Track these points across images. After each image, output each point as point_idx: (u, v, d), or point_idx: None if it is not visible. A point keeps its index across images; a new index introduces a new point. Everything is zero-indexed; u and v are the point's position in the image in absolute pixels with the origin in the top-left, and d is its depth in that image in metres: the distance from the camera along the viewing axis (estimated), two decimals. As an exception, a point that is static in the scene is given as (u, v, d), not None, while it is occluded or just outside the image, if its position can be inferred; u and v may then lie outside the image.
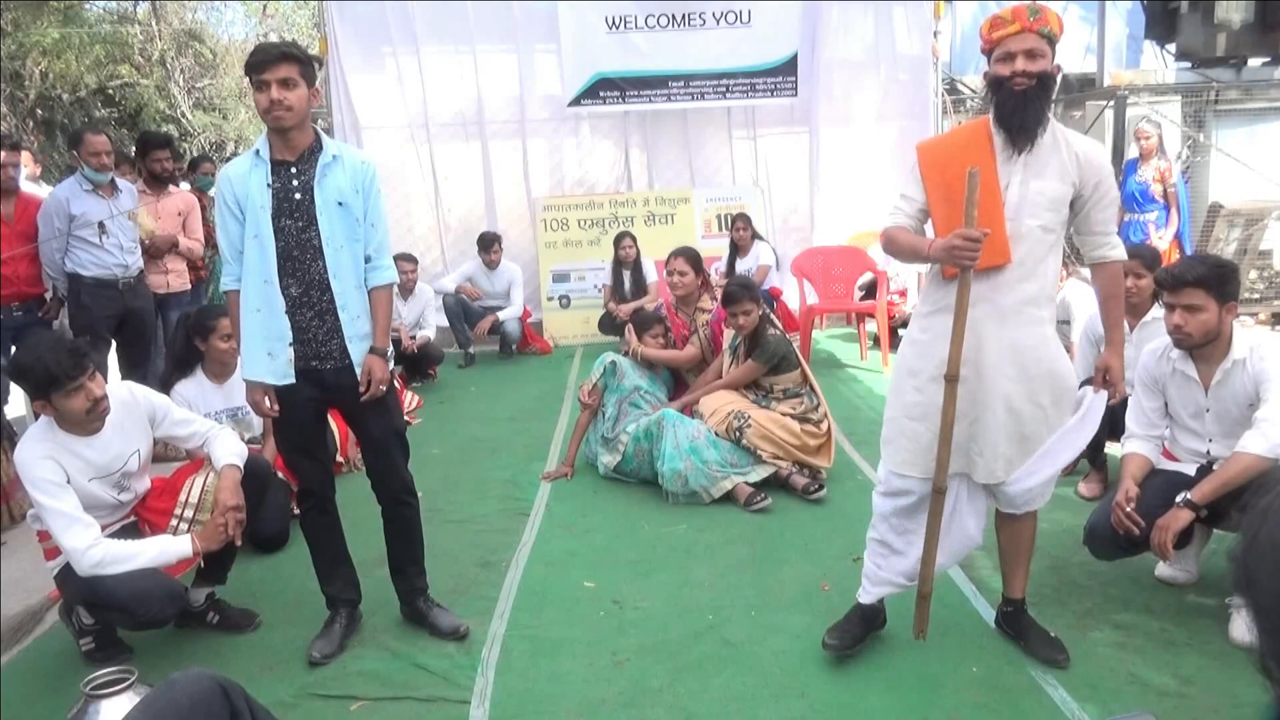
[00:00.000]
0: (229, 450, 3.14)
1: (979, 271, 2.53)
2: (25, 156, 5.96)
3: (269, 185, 2.85)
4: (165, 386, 3.90)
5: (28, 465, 2.83)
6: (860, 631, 2.93)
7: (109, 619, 2.97)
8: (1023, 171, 2.56)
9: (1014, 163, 2.57)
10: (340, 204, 2.88)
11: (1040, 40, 2.50)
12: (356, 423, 3.14)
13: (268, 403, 2.94)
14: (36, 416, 3.04)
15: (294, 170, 2.87)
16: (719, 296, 4.99)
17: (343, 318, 2.92)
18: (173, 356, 4.13)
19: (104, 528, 2.97)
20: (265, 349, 2.90)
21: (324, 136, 2.95)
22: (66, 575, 2.93)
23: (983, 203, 2.49)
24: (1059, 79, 2.55)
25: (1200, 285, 2.94)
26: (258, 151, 2.89)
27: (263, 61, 2.77)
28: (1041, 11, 2.50)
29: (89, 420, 2.92)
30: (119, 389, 3.08)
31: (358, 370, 2.95)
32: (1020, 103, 2.51)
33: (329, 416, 3.34)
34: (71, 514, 2.82)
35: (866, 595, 2.94)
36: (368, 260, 2.98)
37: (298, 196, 2.86)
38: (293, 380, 2.92)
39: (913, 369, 2.73)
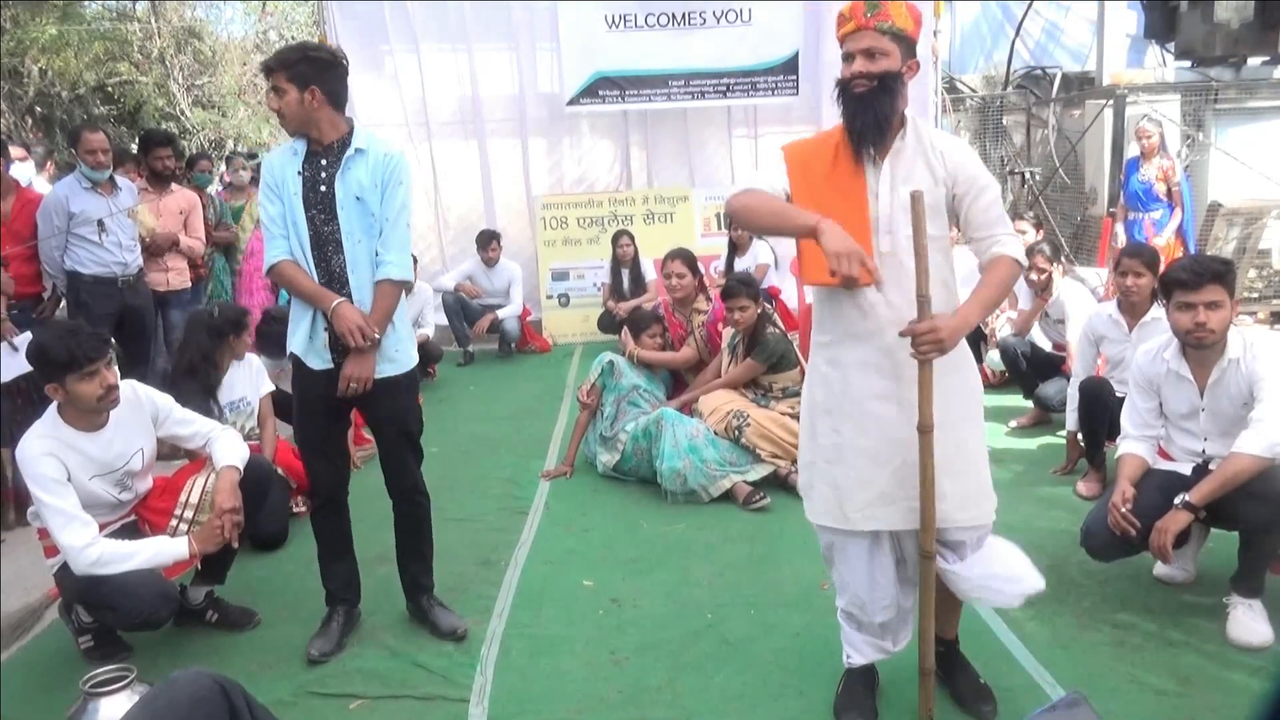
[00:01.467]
0: (230, 451, 3.14)
1: (879, 293, 2.31)
2: (18, 151, 5.96)
3: (300, 173, 2.89)
4: (174, 387, 3.89)
5: (29, 461, 2.83)
6: (872, 699, 2.63)
7: (104, 618, 2.98)
8: (890, 178, 2.33)
9: (879, 170, 2.34)
10: (358, 198, 2.89)
11: (881, 38, 2.26)
12: (372, 422, 3.15)
13: (366, 324, 2.86)
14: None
15: (324, 162, 2.91)
16: (714, 297, 5.00)
17: None
18: (193, 358, 4.06)
19: (103, 526, 2.97)
20: (308, 332, 2.94)
21: (357, 129, 2.96)
22: (64, 573, 2.93)
23: (849, 217, 2.27)
24: (905, 76, 2.29)
25: (1218, 281, 2.93)
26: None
27: (264, 70, 2.89)
28: (881, 6, 2.27)
29: (98, 408, 2.92)
30: (123, 387, 3.08)
31: (375, 366, 2.95)
32: (860, 106, 2.28)
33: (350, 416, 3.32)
34: (70, 512, 2.82)
35: (855, 660, 2.65)
36: (376, 252, 2.95)
37: (323, 189, 2.89)
38: (331, 365, 2.94)
39: (826, 408, 2.44)
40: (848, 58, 2.32)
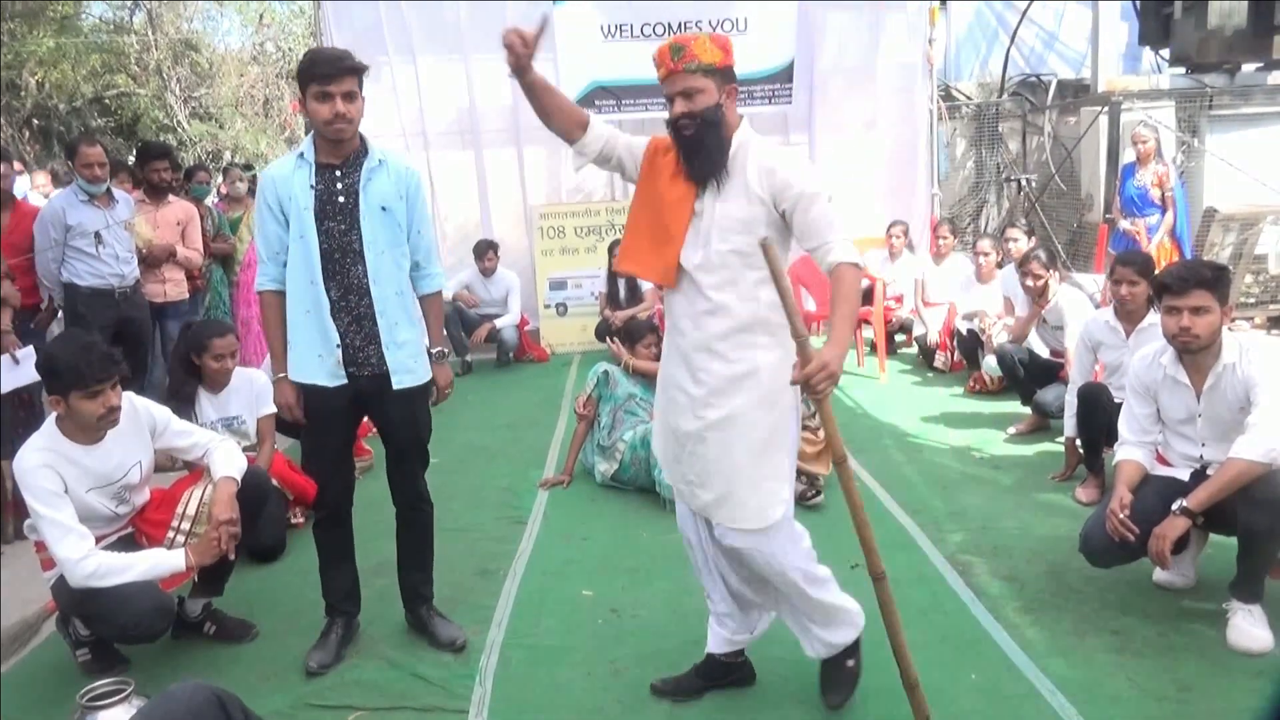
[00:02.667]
0: (228, 462, 3.13)
1: (684, 298, 2.50)
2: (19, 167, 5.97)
3: (312, 186, 2.86)
4: (173, 400, 3.89)
5: (26, 473, 2.82)
6: (699, 689, 2.79)
7: (100, 631, 2.97)
8: (714, 195, 2.46)
9: (705, 195, 2.47)
10: (384, 209, 2.89)
11: (692, 77, 2.39)
12: (385, 430, 3.14)
13: (295, 405, 2.96)
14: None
15: (338, 173, 2.88)
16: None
17: (380, 324, 2.92)
18: (178, 373, 4.10)
19: (101, 539, 2.96)
20: (316, 351, 2.91)
21: (370, 142, 2.95)
22: (61, 586, 2.92)
23: (672, 224, 2.48)
24: (722, 108, 2.42)
25: (1205, 287, 2.94)
26: (302, 154, 2.90)
27: (330, 74, 2.76)
28: (686, 48, 2.39)
29: (96, 427, 2.91)
30: (122, 400, 3.08)
31: (394, 377, 2.95)
32: (691, 146, 2.43)
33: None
34: (67, 524, 2.81)
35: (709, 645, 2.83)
36: (417, 267, 3.02)
37: (341, 199, 2.87)
38: (345, 380, 2.93)
39: (659, 377, 2.73)
40: (670, 100, 2.44)
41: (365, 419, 3.29)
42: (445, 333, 7.56)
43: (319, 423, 3.02)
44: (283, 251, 2.91)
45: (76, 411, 2.85)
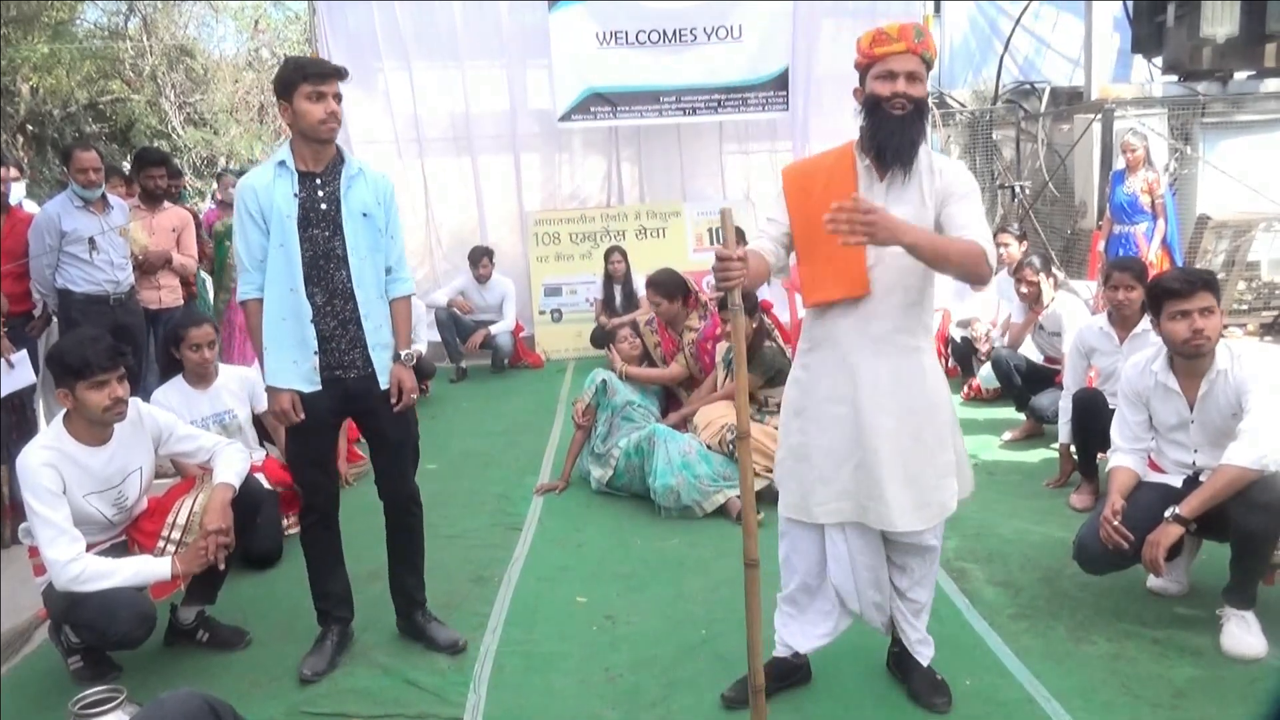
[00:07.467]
0: (229, 468, 3.14)
1: (846, 304, 2.48)
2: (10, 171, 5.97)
3: (295, 195, 2.89)
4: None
5: (28, 470, 2.84)
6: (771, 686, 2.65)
7: (85, 637, 2.97)
8: (885, 197, 2.45)
9: (876, 189, 2.47)
10: (365, 215, 2.95)
11: (921, 64, 2.43)
12: (375, 431, 3.15)
13: (294, 411, 2.94)
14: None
15: (319, 181, 2.92)
16: (712, 314, 5.02)
17: (365, 326, 2.96)
18: (160, 366, 4.19)
19: (93, 546, 2.97)
20: (291, 357, 2.92)
21: (346, 151, 3.01)
22: (51, 592, 2.93)
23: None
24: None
25: (1209, 288, 2.96)
26: (281, 162, 2.91)
27: (323, 74, 2.86)
28: (926, 35, 2.44)
29: (103, 419, 2.94)
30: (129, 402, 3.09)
31: (380, 378, 2.99)
32: (898, 126, 2.41)
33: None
34: (60, 525, 2.82)
35: (779, 651, 2.81)
36: (389, 271, 3.06)
37: (324, 207, 2.91)
38: (319, 386, 2.95)
39: (797, 409, 2.63)
40: (889, 75, 2.42)
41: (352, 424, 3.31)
42: (442, 339, 7.63)
43: (303, 427, 3.02)
44: (266, 259, 2.92)
45: (83, 403, 2.88)
